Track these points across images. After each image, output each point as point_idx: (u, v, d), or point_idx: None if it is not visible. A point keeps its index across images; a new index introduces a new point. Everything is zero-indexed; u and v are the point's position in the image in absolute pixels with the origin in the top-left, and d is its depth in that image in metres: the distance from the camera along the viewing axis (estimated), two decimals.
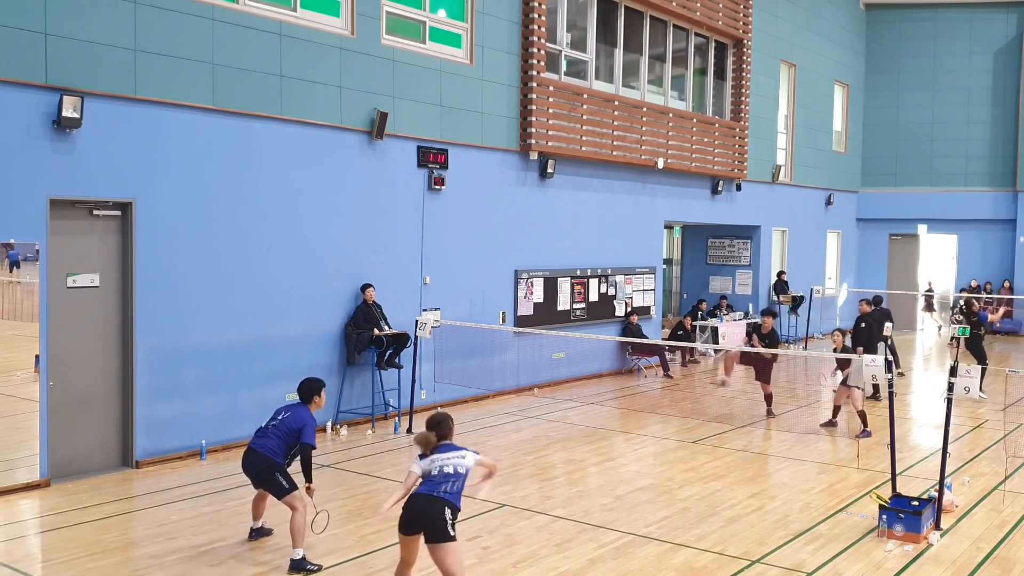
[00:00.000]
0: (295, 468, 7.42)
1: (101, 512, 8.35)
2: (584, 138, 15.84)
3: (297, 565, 7.04)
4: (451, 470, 6.03)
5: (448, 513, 5.84)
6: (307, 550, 7.21)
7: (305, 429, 7.29)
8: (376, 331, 12.12)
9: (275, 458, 7.26)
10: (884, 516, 8.04)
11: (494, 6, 14.14)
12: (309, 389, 7.56)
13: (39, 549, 7.64)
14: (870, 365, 9.00)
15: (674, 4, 17.77)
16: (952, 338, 11.70)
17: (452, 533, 5.82)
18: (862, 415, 12.12)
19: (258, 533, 7.80)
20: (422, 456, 6.18)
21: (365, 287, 12.23)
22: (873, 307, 16.43)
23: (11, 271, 9.24)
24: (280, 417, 7.44)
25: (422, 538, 5.91)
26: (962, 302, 24.48)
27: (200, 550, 7.47)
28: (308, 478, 7.29)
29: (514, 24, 14.54)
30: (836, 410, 12.73)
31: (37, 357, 9.15)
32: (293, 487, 7.24)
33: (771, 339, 13.82)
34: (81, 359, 9.63)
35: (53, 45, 9.03)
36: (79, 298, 9.60)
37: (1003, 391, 14.13)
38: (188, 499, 8.89)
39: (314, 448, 7.31)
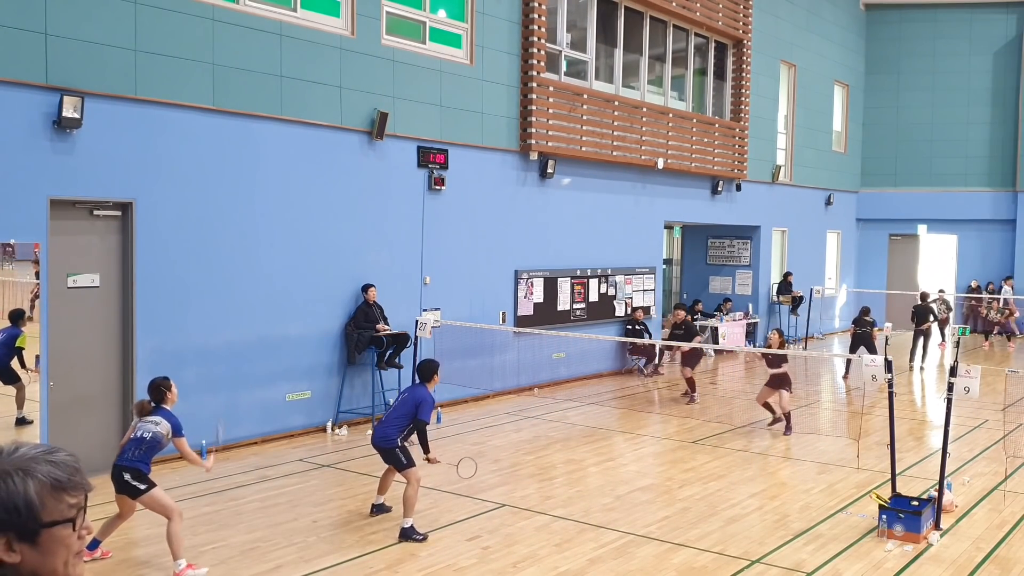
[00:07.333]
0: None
1: (101, 512, 8.31)
2: (584, 138, 15.84)
3: (406, 532, 7.83)
4: None
5: None
6: (315, 544, 7.21)
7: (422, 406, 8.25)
8: (377, 327, 12.14)
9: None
10: (884, 516, 8.05)
11: (494, 6, 14.14)
12: (428, 369, 8.48)
13: None
14: (870, 365, 9.00)
15: (674, 4, 17.78)
16: (957, 340, 11.66)
17: None
18: (787, 416, 12.25)
19: (378, 509, 8.59)
20: None
21: (366, 287, 12.24)
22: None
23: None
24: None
25: None
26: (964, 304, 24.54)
27: (200, 550, 7.47)
28: (426, 448, 8.23)
29: (514, 24, 14.54)
30: (768, 407, 12.61)
31: (37, 357, 9.15)
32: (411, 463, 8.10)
33: (687, 330, 15.07)
34: (81, 359, 9.64)
35: (53, 45, 9.04)
36: (79, 298, 9.60)
37: (1003, 391, 14.13)
38: (188, 499, 8.89)
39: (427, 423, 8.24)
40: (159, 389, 7.40)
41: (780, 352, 12.13)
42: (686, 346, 14.10)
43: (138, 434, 7.14)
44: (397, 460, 8.12)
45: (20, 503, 1.79)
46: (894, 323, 19.49)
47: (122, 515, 7.28)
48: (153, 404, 7.34)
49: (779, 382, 12.39)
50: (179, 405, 10.33)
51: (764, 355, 12.78)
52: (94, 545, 7.27)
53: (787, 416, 12.29)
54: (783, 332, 13.01)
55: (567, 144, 15.47)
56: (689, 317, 19.50)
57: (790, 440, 11.94)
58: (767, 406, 12.62)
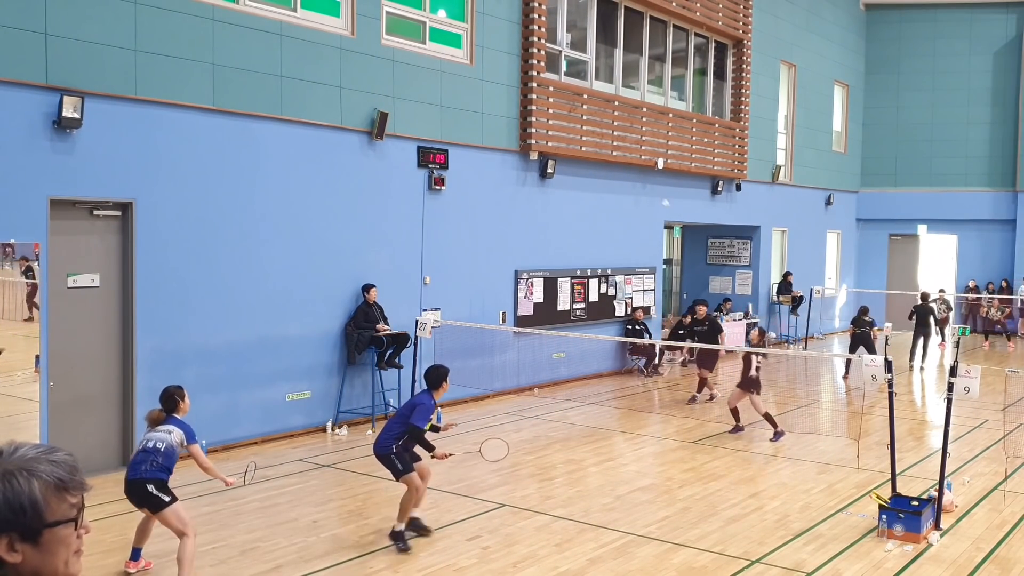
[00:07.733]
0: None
1: (101, 512, 8.34)
2: (584, 138, 15.84)
3: (395, 535, 7.71)
4: None
5: None
6: (313, 545, 7.20)
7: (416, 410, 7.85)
8: (377, 327, 12.13)
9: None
10: (884, 516, 8.05)
11: (494, 6, 14.15)
12: (436, 376, 8.02)
13: None
14: (870, 365, 9.00)
15: (674, 4, 17.78)
16: (957, 340, 11.68)
17: None
18: (768, 418, 11.97)
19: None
20: None
21: (367, 287, 12.24)
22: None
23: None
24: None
25: None
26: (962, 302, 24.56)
27: (200, 550, 7.46)
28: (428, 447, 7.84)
29: (514, 24, 14.54)
30: (735, 413, 12.42)
31: (37, 357, 9.16)
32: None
33: (712, 326, 14.98)
34: (81, 359, 9.64)
35: (53, 45, 9.04)
36: (79, 298, 9.60)
37: (1003, 391, 14.13)
38: (188, 499, 8.86)
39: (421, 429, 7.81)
40: (172, 398, 7.13)
41: (754, 351, 11.95)
42: (725, 350, 14.14)
43: (149, 445, 6.90)
44: (393, 467, 7.78)
45: (26, 502, 1.80)
46: (894, 323, 19.49)
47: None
48: (164, 413, 7.15)
49: (748, 384, 12.14)
50: None
51: (743, 354, 12.57)
52: (136, 555, 7.14)
53: (769, 420, 11.95)
54: (764, 331, 12.84)
55: (567, 144, 15.47)
56: (687, 319, 19.50)
57: (790, 440, 11.93)
58: (734, 412, 12.40)
